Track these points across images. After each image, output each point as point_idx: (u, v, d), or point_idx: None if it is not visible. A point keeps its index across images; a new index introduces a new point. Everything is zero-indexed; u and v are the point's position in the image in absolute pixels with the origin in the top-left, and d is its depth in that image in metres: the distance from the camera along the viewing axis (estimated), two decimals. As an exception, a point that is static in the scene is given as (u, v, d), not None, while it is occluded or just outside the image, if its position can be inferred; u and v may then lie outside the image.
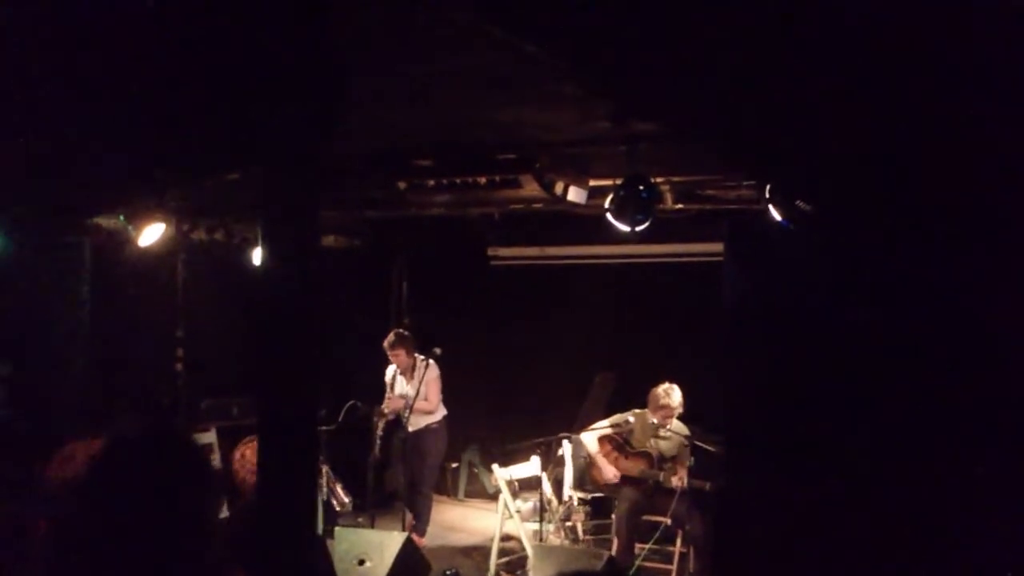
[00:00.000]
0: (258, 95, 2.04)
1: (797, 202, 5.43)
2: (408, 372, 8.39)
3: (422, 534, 8.38)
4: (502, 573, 7.61)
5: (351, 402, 8.02)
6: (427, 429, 8.46)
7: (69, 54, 2.36)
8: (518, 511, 7.69)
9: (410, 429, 8.30)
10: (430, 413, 8.43)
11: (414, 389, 8.26)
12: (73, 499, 1.99)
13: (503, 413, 9.69)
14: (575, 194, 6.91)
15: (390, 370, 8.52)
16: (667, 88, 3.84)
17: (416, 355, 8.37)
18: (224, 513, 7.39)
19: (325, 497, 7.17)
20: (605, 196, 6.26)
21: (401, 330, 8.69)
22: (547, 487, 7.60)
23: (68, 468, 2.13)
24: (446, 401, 8.61)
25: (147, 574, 1.89)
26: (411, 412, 8.19)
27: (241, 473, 5.67)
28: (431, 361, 8.28)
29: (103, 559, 1.88)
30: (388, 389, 8.43)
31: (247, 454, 5.53)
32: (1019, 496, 4.33)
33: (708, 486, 7.08)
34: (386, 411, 8.25)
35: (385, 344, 8.39)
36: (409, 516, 8.24)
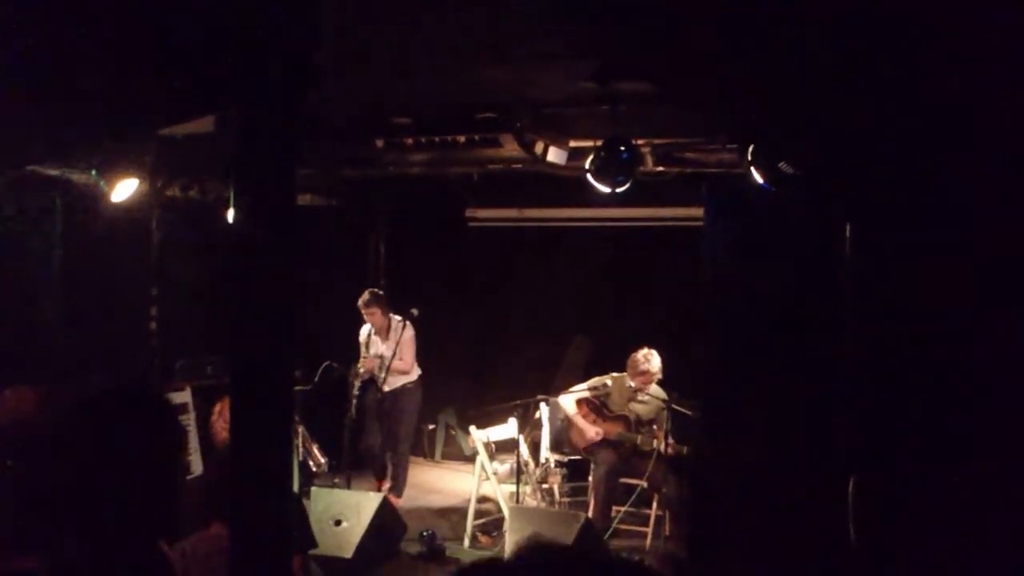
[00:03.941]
0: (234, 39, 1.96)
1: (780, 164, 5.40)
2: (383, 332, 8.36)
3: (399, 495, 8.38)
4: (478, 534, 7.62)
5: (327, 363, 7.98)
6: (403, 389, 8.46)
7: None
8: (495, 473, 7.69)
9: (386, 389, 8.29)
10: (405, 373, 8.43)
11: (390, 349, 8.23)
12: (12, 451, 1.95)
13: (480, 375, 9.68)
14: (555, 155, 6.86)
15: (364, 330, 8.49)
16: (651, 47, 3.78)
17: (391, 315, 8.35)
18: (199, 469, 7.38)
19: (301, 458, 7.14)
20: (585, 157, 6.22)
21: (375, 289, 8.65)
22: (524, 449, 7.60)
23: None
24: (424, 362, 8.60)
25: (116, 529, 1.85)
26: (388, 372, 8.18)
27: (217, 428, 5.65)
28: (406, 321, 8.26)
29: (70, 514, 1.85)
30: (363, 349, 8.41)
31: (224, 411, 5.50)
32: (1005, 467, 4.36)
33: (685, 450, 7.11)
34: (362, 371, 8.23)
35: (360, 303, 8.36)
36: (384, 474, 8.26)
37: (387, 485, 8.42)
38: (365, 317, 8.39)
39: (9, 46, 2.27)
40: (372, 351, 8.36)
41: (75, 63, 2.37)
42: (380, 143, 7.03)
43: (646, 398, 7.49)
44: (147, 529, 1.92)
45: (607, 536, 7.12)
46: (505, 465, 7.96)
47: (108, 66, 2.39)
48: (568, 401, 7.71)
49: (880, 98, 4.05)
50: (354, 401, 8.08)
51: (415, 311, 8.10)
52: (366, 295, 8.42)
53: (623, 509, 7.35)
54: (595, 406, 7.69)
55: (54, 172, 7.22)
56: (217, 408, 5.72)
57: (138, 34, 2.30)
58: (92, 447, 1.87)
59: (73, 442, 1.88)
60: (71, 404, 1.94)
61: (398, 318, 8.33)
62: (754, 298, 6.10)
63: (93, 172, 7.02)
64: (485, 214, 9.90)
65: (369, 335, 8.43)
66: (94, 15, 2.23)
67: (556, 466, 7.92)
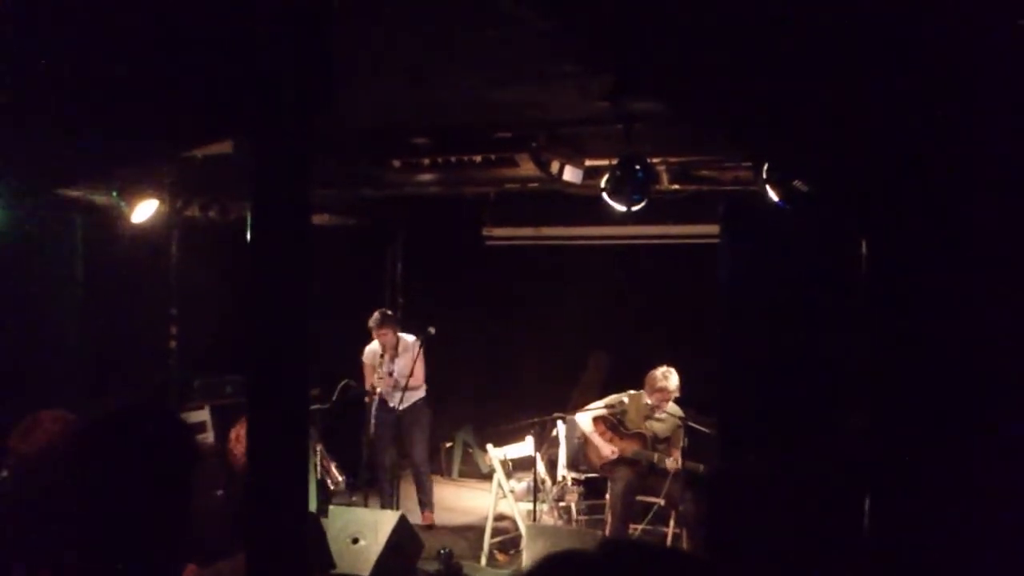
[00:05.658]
0: (250, 62, 1.99)
1: (795, 182, 5.40)
2: (392, 351, 8.36)
3: (432, 510, 8.43)
4: (495, 552, 7.61)
5: (344, 381, 7.99)
6: (417, 405, 8.47)
7: (56, 22, 2.32)
8: (512, 491, 7.69)
9: (402, 408, 8.27)
10: (417, 389, 8.44)
11: (407, 367, 8.22)
12: (44, 471, 1.98)
13: (497, 393, 9.68)
14: (571, 174, 6.88)
15: (370, 350, 8.48)
16: (665, 65, 3.80)
17: (399, 333, 8.40)
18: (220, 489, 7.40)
19: (319, 476, 7.16)
20: (601, 176, 6.24)
21: (385, 310, 8.65)
22: (541, 467, 7.60)
23: (32, 439, 2.10)
24: (441, 380, 8.64)
25: (130, 549, 1.87)
26: (407, 390, 8.20)
27: (236, 453, 5.67)
28: (415, 337, 8.30)
29: (85, 534, 1.87)
30: (378, 368, 8.39)
31: (242, 433, 5.51)
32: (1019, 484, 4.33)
33: (702, 467, 7.09)
34: (380, 390, 8.24)
35: (371, 324, 8.35)
36: (398, 493, 8.26)
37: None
38: (376, 337, 8.39)
39: (30, 71, 2.32)
40: (386, 370, 8.36)
41: (96, 88, 2.42)
42: (397, 163, 7.07)
43: (663, 415, 7.48)
44: (158, 547, 1.93)
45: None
46: (522, 483, 7.95)
47: (128, 91, 2.44)
48: (584, 419, 7.70)
49: (894, 114, 4.06)
50: (372, 421, 8.09)
51: (432, 329, 8.12)
52: (377, 316, 8.40)
53: (640, 527, 7.34)
54: (612, 424, 7.68)
55: (74, 193, 7.30)
56: (233, 434, 5.74)
57: (156, 60, 2.34)
58: (102, 466, 1.88)
59: (84, 461, 1.90)
60: (84, 424, 1.97)
61: (409, 337, 8.37)
62: (770, 315, 6.10)
63: (113, 193, 7.09)
64: (501, 232, 9.92)
65: (376, 355, 8.43)
66: (114, 42, 2.27)
67: (573, 484, 7.90)
